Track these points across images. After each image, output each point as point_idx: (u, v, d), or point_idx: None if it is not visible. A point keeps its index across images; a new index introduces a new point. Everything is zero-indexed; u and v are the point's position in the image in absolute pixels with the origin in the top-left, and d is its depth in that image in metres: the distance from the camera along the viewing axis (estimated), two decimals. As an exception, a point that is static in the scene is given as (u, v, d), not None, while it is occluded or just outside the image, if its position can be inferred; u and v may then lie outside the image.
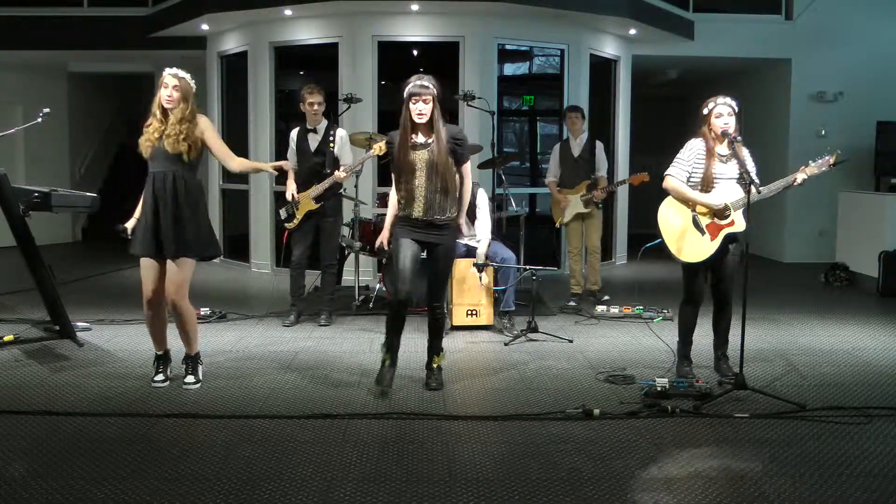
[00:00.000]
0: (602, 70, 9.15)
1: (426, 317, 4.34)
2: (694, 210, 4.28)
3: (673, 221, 4.31)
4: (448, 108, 7.74)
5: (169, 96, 4.04)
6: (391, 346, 4.16)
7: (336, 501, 2.86)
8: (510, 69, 8.89)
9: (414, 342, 5.29)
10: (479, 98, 6.57)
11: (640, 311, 6.12)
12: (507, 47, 8.40)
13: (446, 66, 8.07)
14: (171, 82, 4.05)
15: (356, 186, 6.44)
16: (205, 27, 8.94)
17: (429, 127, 4.02)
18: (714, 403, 3.91)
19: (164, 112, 4.07)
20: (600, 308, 6.23)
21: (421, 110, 3.95)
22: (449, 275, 4.24)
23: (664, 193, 4.38)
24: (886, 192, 8.52)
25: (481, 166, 6.91)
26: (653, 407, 3.86)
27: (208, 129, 4.15)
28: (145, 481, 3.00)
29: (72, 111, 11.43)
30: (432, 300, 4.24)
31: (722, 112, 4.24)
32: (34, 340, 5.16)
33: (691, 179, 4.30)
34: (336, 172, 5.60)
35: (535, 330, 5.41)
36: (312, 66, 8.94)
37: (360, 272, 6.62)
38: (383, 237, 4.57)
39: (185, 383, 4.23)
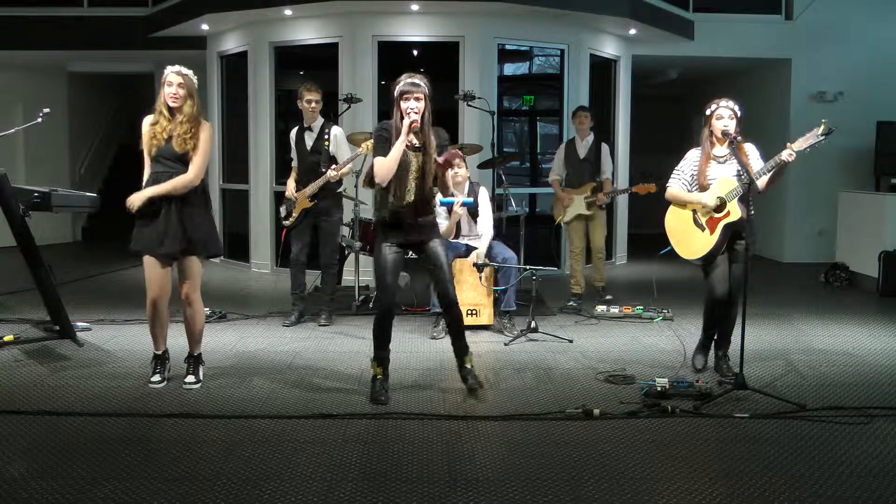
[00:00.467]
0: (602, 70, 9.15)
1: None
2: (694, 210, 4.39)
3: (676, 227, 4.50)
4: (448, 108, 7.83)
5: (175, 94, 4.04)
6: (381, 360, 4.09)
7: (336, 501, 2.86)
8: (510, 69, 8.89)
9: (413, 342, 5.30)
10: (479, 98, 6.57)
11: (641, 311, 6.12)
12: (507, 47, 8.39)
13: (446, 66, 8.08)
14: (176, 80, 4.05)
15: (356, 186, 6.44)
16: (205, 27, 8.94)
17: (419, 128, 3.91)
18: (714, 403, 3.91)
19: (171, 110, 4.07)
20: (600, 308, 6.23)
21: (413, 108, 3.84)
22: (450, 268, 4.19)
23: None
24: (886, 192, 8.52)
25: (481, 166, 6.91)
26: (653, 407, 3.86)
27: (205, 134, 4.14)
28: (145, 481, 3.00)
29: (72, 111, 11.43)
30: (444, 300, 4.14)
31: (723, 115, 4.32)
32: (34, 340, 5.16)
33: (693, 186, 4.44)
34: (328, 172, 5.61)
35: (535, 330, 5.41)
36: (312, 66, 8.93)
37: (360, 272, 6.62)
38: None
39: (186, 383, 4.23)
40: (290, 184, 5.86)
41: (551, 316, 6.22)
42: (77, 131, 11.71)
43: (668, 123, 12.05)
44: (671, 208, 4.54)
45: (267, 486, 2.97)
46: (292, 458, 3.24)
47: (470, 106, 6.75)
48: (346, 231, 6.62)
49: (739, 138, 4.23)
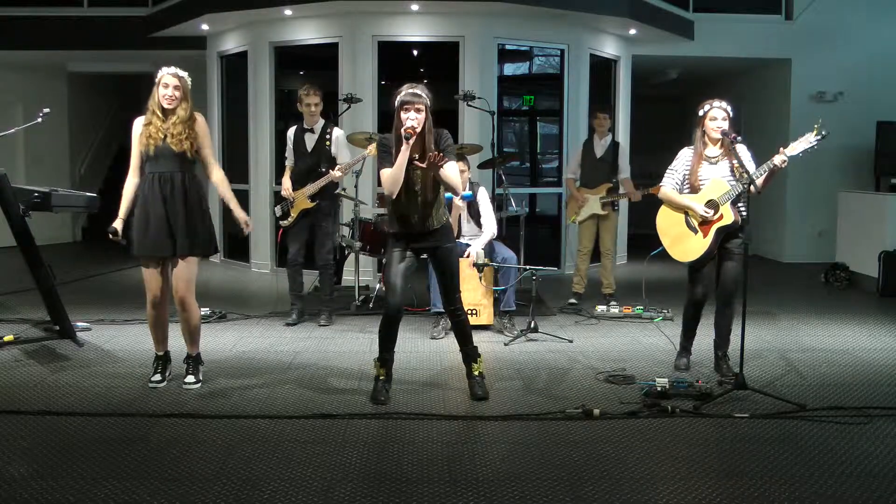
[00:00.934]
0: (602, 70, 9.15)
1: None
2: (686, 213, 4.42)
3: (667, 228, 4.52)
4: (448, 108, 7.83)
5: (171, 96, 4.04)
6: (385, 361, 4.07)
7: (336, 501, 2.86)
8: (510, 69, 8.89)
9: (413, 342, 5.30)
10: (479, 98, 6.56)
11: (641, 311, 6.12)
12: (507, 47, 8.39)
13: (446, 66, 8.08)
14: (172, 82, 4.05)
15: (356, 186, 6.44)
16: (205, 27, 8.94)
17: (420, 140, 3.87)
18: (714, 403, 3.91)
19: (164, 111, 4.07)
20: (600, 308, 6.23)
21: (412, 118, 3.79)
22: (458, 273, 4.18)
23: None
24: (886, 192, 8.52)
25: (481, 166, 6.91)
26: (653, 407, 3.86)
27: (202, 128, 4.15)
28: (145, 481, 3.00)
29: (72, 111, 11.44)
30: (449, 303, 4.13)
31: (716, 116, 4.34)
32: (34, 340, 5.16)
33: (684, 185, 4.46)
34: (332, 171, 5.61)
35: (535, 330, 5.41)
36: (312, 66, 8.94)
37: (360, 272, 6.62)
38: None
39: (186, 383, 4.23)
40: (287, 183, 5.84)
41: (551, 316, 6.22)
42: (77, 131, 11.71)
43: (668, 123, 12.05)
44: (663, 209, 4.56)
45: (267, 486, 2.97)
46: (292, 458, 3.24)
47: (470, 106, 6.75)
48: (346, 231, 6.63)
49: (740, 138, 4.23)
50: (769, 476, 3.08)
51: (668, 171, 4.54)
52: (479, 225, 5.71)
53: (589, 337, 5.52)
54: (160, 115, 4.06)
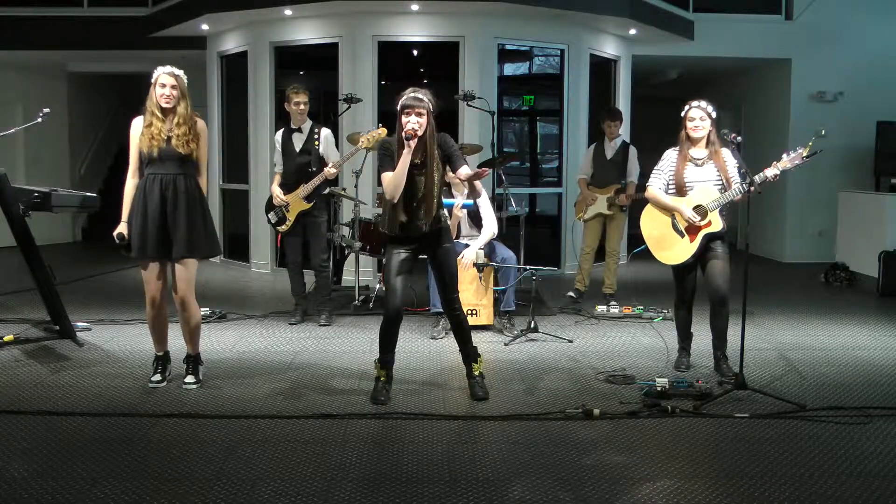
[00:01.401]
0: (602, 70, 9.15)
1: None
2: (673, 215, 4.44)
3: (652, 228, 4.55)
4: (448, 108, 7.82)
5: (168, 95, 4.03)
6: (385, 363, 4.07)
7: (336, 501, 2.86)
8: (510, 69, 8.89)
9: (413, 342, 5.30)
10: (479, 98, 6.56)
11: (641, 311, 6.12)
12: (507, 47, 8.39)
13: (446, 66, 8.08)
14: (169, 81, 4.05)
15: (356, 187, 6.44)
16: (205, 27, 8.94)
17: (422, 144, 3.86)
18: (714, 403, 3.91)
19: (163, 111, 4.06)
20: (600, 308, 6.23)
21: (413, 122, 3.78)
22: (457, 273, 4.18)
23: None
24: (886, 192, 8.52)
25: (481, 167, 6.90)
26: (653, 407, 3.86)
27: (203, 133, 4.16)
28: (145, 481, 3.00)
29: (72, 111, 11.43)
30: (448, 304, 4.13)
31: (694, 116, 4.38)
32: (34, 340, 5.17)
33: (669, 186, 4.49)
34: (325, 169, 5.61)
35: (535, 330, 5.41)
36: (312, 66, 8.94)
37: (360, 272, 6.62)
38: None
39: (186, 383, 4.23)
40: (276, 189, 5.81)
41: (551, 316, 6.22)
42: (77, 131, 11.70)
43: (669, 123, 12.04)
44: (648, 209, 4.57)
45: (267, 486, 2.97)
46: (292, 458, 3.24)
47: (470, 106, 6.75)
48: (346, 231, 6.63)
49: (740, 139, 4.24)
50: (769, 476, 3.08)
51: (654, 171, 4.56)
52: (478, 227, 5.70)
53: (589, 337, 5.52)
54: (159, 115, 4.05)
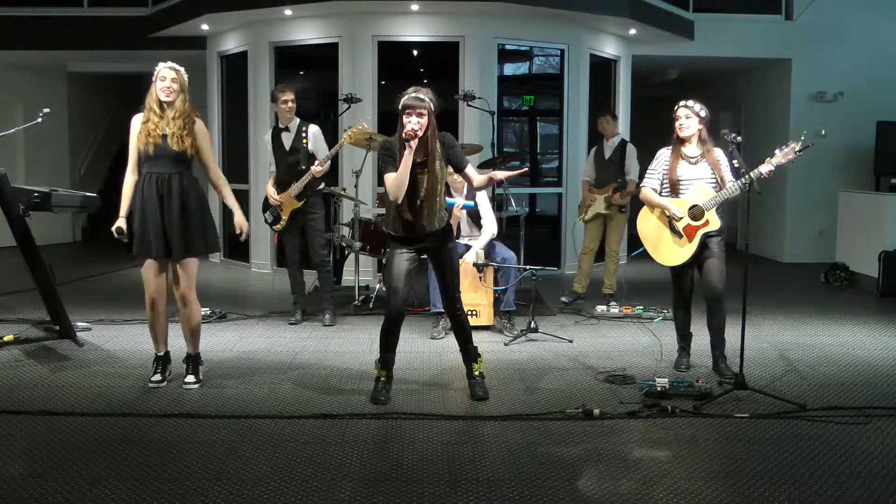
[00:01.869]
0: (602, 70, 9.15)
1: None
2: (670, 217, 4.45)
3: (650, 229, 4.55)
4: (448, 108, 7.81)
5: (168, 88, 4.04)
6: (386, 363, 4.07)
7: (336, 501, 2.86)
8: (510, 69, 8.89)
9: (413, 342, 5.30)
10: (479, 98, 6.57)
11: (641, 311, 6.12)
12: (507, 47, 8.39)
13: (446, 66, 8.08)
14: (169, 75, 4.06)
15: (356, 187, 6.44)
16: (205, 27, 8.94)
17: (423, 145, 3.85)
18: (714, 403, 3.91)
19: (161, 106, 4.06)
20: (600, 308, 6.23)
21: (413, 122, 3.77)
22: (458, 273, 4.17)
23: None
24: (886, 192, 8.52)
25: (481, 166, 6.90)
26: (653, 407, 3.86)
27: (201, 132, 4.16)
28: (145, 481, 3.00)
29: (72, 111, 11.43)
30: (449, 304, 4.13)
31: (680, 115, 4.43)
32: (34, 340, 5.17)
33: (663, 184, 4.50)
34: (312, 167, 5.61)
35: (535, 330, 5.41)
36: (312, 66, 8.93)
37: (360, 272, 6.62)
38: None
39: (186, 383, 4.23)
40: (270, 189, 5.83)
41: (551, 316, 6.22)
42: (77, 131, 11.71)
43: (669, 123, 12.05)
44: (644, 211, 4.58)
45: (267, 486, 2.97)
46: (292, 458, 3.24)
47: (470, 106, 6.75)
48: (345, 231, 6.63)
49: (740, 139, 4.25)
50: (769, 476, 3.08)
51: (648, 171, 4.58)
52: (478, 227, 5.70)
53: (589, 337, 5.52)
54: (157, 110, 4.05)
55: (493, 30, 8.08)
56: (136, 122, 4.12)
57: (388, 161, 3.90)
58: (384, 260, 6.25)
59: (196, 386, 4.23)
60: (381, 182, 4.00)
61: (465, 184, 5.62)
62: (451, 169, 4.08)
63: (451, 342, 5.21)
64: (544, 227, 8.94)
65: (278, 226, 5.86)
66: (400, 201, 3.88)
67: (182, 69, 4.13)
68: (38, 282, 5.05)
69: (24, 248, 4.94)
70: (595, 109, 8.56)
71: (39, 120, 5.08)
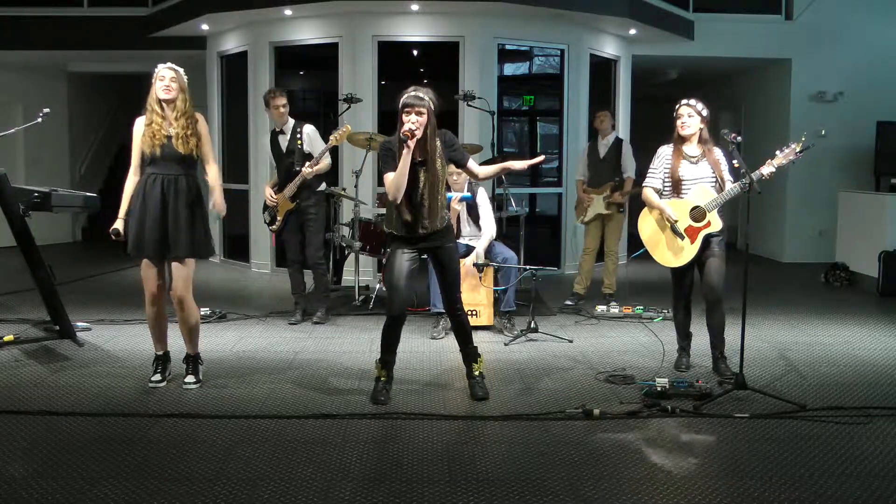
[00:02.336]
0: (602, 70, 9.15)
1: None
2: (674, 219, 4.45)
3: (651, 230, 4.55)
4: (448, 108, 7.81)
5: (167, 87, 4.04)
6: (386, 363, 4.06)
7: (336, 501, 2.86)
8: (510, 69, 8.89)
9: (413, 342, 5.30)
10: (479, 98, 6.57)
11: (641, 311, 6.12)
12: (507, 47, 8.40)
13: (446, 66, 8.08)
14: (168, 74, 4.07)
15: (356, 187, 6.44)
16: (205, 27, 8.94)
17: (422, 144, 3.84)
18: (714, 403, 3.91)
19: (162, 105, 4.06)
20: (600, 308, 6.23)
21: (412, 121, 3.77)
22: (459, 273, 4.17)
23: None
24: (886, 192, 8.52)
25: (481, 166, 6.90)
26: (653, 407, 3.86)
27: (204, 128, 4.17)
28: (145, 481, 3.00)
29: (72, 111, 11.44)
30: (450, 303, 4.13)
31: (682, 113, 4.43)
32: (34, 340, 5.17)
33: (665, 183, 4.50)
34: (302, 169, 5.62)
35: (535, 330, 5.41)
36: (312, 66, 8.94)
37: (359, 272, 6.62)
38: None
39: (186, 383, 4.23)
40: (268, 190, 5.88)
41: (551, 316, 6.22)
42: (77, 131, 11.71)
43: (669, 123, 12.05)
44: (645, 211, 4.58)
45: (267, 486, 2.97)
46: (292, 458, 3.24)
47: (470, 106, 6.76)
48: (345, 231, 6.63)
49: (740, 139, 4.25)
50: (769, 476, 3.08)
51: (649, 170, 4.56)
52: (479, 226, 5.70)
53: (589, 337, 5.52)
54: (159, 110, 4.06)
55: (493, 30, 8.09)
56: (139, 124, 4.12)
57: (387, 161, 3.90)
58: (384, 260, 6.26)
59: (196, 386, 4.22)
60: (381, 182, 3.99)
61: (466, 181, 5.63)
62: (451, 167, 4.07)
63: (451, 342, 5.20)
64: (544, 227, 8.94)
65: (274, 226, 5.87)
66: (399, 201, 3.88)
67: (181, 70, 4.14)
68: (38, 282, 5.05)
69: (24, 248, 4.94)
70: (595, 109, 8.58)
71: (39, 120, 5.08)
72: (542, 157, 4.26)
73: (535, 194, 8.94)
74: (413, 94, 3.81)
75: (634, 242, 9.52)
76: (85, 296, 6.94)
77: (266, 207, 5.91)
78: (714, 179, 4.36)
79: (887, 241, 7.41)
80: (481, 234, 5.64)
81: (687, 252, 4.39)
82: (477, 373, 4.16)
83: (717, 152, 4.43)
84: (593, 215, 6.52)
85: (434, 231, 3.98)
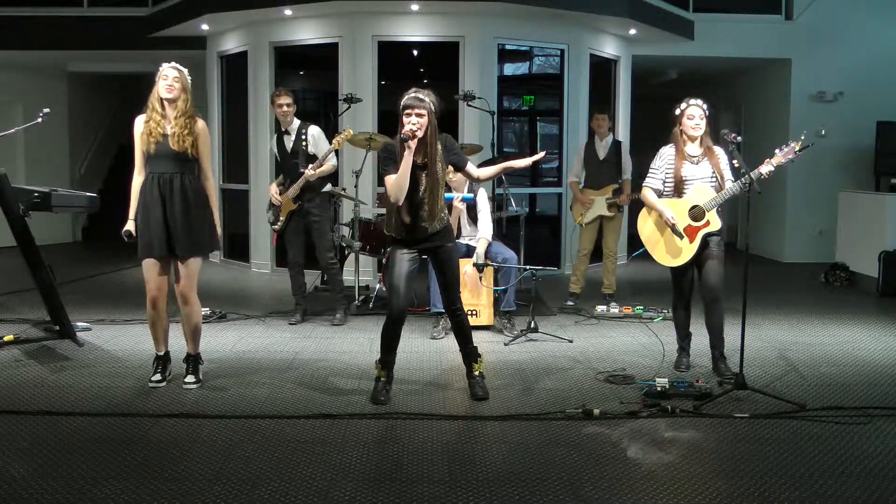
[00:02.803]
0: (602, 70, 9.15)
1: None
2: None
3: (650, 231, 4.55)
4: (448, 108, 7.81)
5: (170, 86, 4.05)
6: (386, 363, 4.06)
7: (336, 501, 2.86)
8: (510, 69, 8.89)
9: (413, 342, 5.30)
10: (479, 98, 6.56)
11: (641, 311, 6.12)
12: (507, 47, 8.39)
13: (446, 66, 8.08)
14: (172, 73, 4.08)
15: (356, 187, 6.44)
16: (205, 27, 8.94)
17: (423, 145, 3.84)
18: (714, 403, 3.91)
19: (163, 105, 4.07)
20: (600, 308, 6.23)
21: (413, 122, 3.77)
22: (458, 274, 4.17)
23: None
24: (886, 192, 8.52)
25: (481, 166, 6.90)
26: (653, 407, 3.86)
27: (202, 130, 4.16)
28: (145, 481, 3.00)
29: (72, 111, 11.44)
30: (450, 303, 4.13)
31: (693, 114, 4.40)
32: (34, 340, 5.17)
33: (666, 183, 4.49)
34: (305, 171, 5.62)
35: (535, 330, 5.41)
36: (312, 66, 8.94)
37: (360, 272, 6.62)
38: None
39: (186, 383, 4.23)
40: (273, 189, 5.89)
41: (551, 316, 6.22)
42: (77, 131, 11.71)
43: (669, 123, 12.05)
44: (645, 212, 4.58)
45: (267, 486, 2.97)
46: (292, 458, 3.24)
47: (470, 106, 6.76)
48: (345, 231, 6.63)
49: (740, 139, 4.25)
50: (769, 476, 3.08)
51: (650, 170, 4.55)
52: (478, 227, 5.70)
53: (589, 337, 5.52)
54: (159, 108, 4.07)
55: (493, 30, 8.09)
56: (139, 122, 4.13)
57: (388, 162, 3.90)
58: (384, 260, 6.26)
59: (196, 386, 4.23)
60: (381, 182, 3.99)
61: (466, 182, 5.62)
62: (451, 169, 4.08)
63: (451, 342, 5.20)
64: (544, 227, 8.94)
65: (276, 226, 5.87)
66: (401, 203, 3.87)
67: (185, 70, 4.14)
68: (38, 282, 5.05)
69: (24, 248, 4.94)
70: (595, 110, 8.58)
71: (39, 120, 5.08)
72: (543, 153, 4.28)
73: (535, 194, 8.94)
74: (413, 95, 3.82)
75: (633, 242, 9.55)
76: (85, 296, 6.94)
77: (270, 206, 5.91)
78: (714, 179, 4.37)
79: (887, 241, 7.41)
80: (478, 243, 5.62)
81: (686, 252, 4.40)
82: (477, 373, 4.16)
83: (718, 151, 4.44)
84: (595, 217, 6.51)
85: (434, 233, 3.98)
